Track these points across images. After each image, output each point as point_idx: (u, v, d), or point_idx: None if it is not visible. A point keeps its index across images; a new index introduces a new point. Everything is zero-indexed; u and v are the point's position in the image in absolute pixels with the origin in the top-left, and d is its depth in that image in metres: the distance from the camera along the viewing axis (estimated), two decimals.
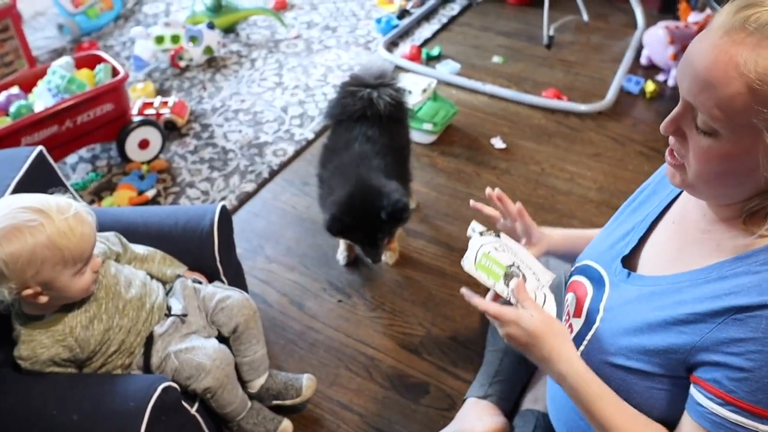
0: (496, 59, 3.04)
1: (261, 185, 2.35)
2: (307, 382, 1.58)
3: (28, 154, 1.42)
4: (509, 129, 2.59)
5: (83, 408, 1.14)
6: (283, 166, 2.44)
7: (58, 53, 3.15)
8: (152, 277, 1.44)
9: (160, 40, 2.99)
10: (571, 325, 1.09)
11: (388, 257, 2.01)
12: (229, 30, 3.32)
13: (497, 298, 1.07)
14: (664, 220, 1.03)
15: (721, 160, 0.78)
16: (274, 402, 1.55)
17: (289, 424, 1.53)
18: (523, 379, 1.50)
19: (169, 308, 1.39)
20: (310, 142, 2.54)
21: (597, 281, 1.07)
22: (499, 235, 1.17)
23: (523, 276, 1.07)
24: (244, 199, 2.28)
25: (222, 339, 1.44)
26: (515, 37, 3.23)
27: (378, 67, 1.89)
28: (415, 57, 3.01)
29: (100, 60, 2.42)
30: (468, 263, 1.07)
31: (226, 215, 1.57)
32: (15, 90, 2.30)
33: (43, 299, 1.14)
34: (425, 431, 1.55)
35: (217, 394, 1.34)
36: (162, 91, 2.87)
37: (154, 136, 2.42)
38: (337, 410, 1.62)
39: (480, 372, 1.54)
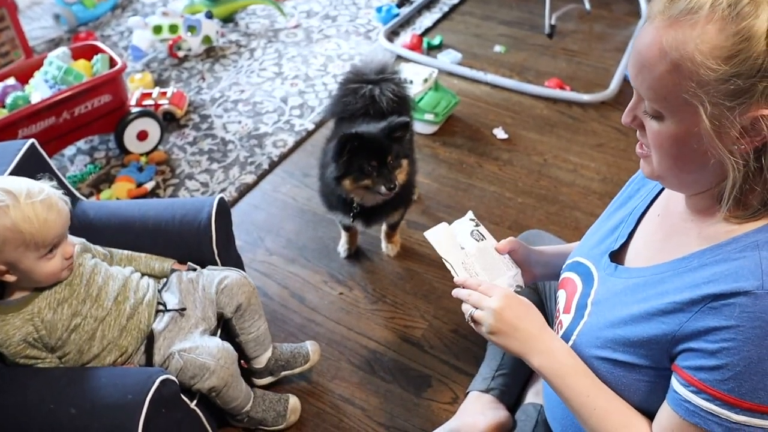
0: (497, 48, 3.01)
1: (261, 177, 2.33)
2: (312, 347, 1.62)
3: (19, 147, 1.41)
4: (511, 119, 2.56)
5: (80, 402, 1.13)
6: (283, 157, 2.41)
7: (54, 43, 3.12)
8: (142, 275, 1.43)
9: (158, 29, 2.96)
10: (560, 322, 1.10)
11: (389, 249, 1.99)
12: (228, 19, 3.28)
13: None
14: (649, 213, 1.04)
15: (672, 142, 0.81)
16: (284, 372, 1.59)
17: (296, 400, 1.55)
18: (526, 372, 1.49)
19: (164, 304, 1.38)
20: (310, 133, 2.52)
21: (586, 277, 1.07)
22: (484, 238, 1.23)
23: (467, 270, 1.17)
24: (244, 190, 2.26)
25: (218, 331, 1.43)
26: (517, 26, 3.20)
27: (379, 61, 1.85)
28: (415, 46, 2.98)
29: (97, 50, 2.39)
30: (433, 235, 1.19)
31: (224, 207, 1.55)
32: (11, 81, 2.28)
33: (10, 278, 1.18)
34: (427, 425, 1.54)
35: (222, 392, 1.33)
36: (160, 82, 2.84)
37: (152, 127, 2.39)
38: (338, 404, 1.61)
39: (482, 365, 1.53)
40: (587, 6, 3.26)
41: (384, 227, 1.96)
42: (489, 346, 1.56)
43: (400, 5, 3.34)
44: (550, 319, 1.43)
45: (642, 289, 0.92)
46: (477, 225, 1.24)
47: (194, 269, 1.50)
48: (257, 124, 2.56)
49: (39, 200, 1.15)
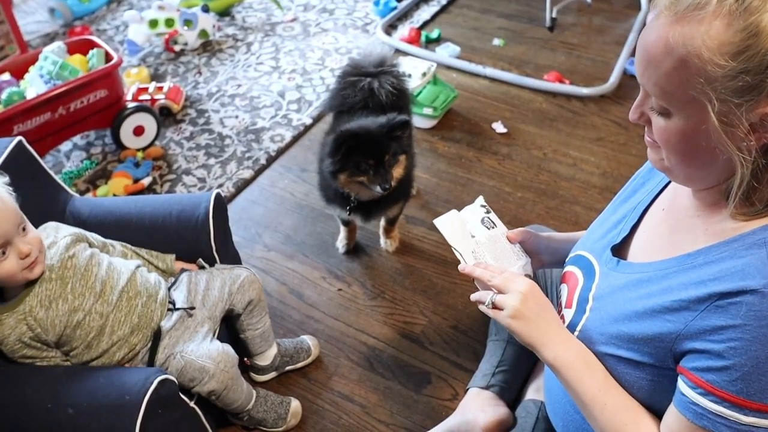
0: (496, 42, 2.99)
1: (258, 172, 2.31)
2: (311, 341, 1.66)
3: (6, 145, 1.39)
4: (510, 113, 2.54)
5: (78, 402, 1.12)
6: (281, 152, 2.40)
7: (50, 38, 3.09)
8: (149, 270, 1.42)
9: (153, 23, 2.94)
10: (563, 316, 1.09)
11: (388, 245, 1.98)
12: (225, 13, 3.26)
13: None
14: (654, 208, 1.03)
15: (680, 139, 0.80)
16: (288, 367, 1.62)
17: (298, 404, 1.55)
18: (526, 369, 1.49)
19: (173, 302, 1.37)
20: (308, 128, 2.50)
21: (588, 270, 1.06)
22: (495, 225, 1.20)
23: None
24: (242, 186, 2.25)
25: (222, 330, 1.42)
26: (516, 19, 3.18)
27: (377, 54, 1.83)
28: (414, 40, 2.96)
29: (92, 45, 2.37)
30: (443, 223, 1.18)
31: (221, 203, 1.54)
32: (6, 76, 2.26)
33: None
34: (427, 422, 1.53)
35: (222, 395, 1.33)
36: (156, 76, 2.82)
37: (149, 122, 2.37)
38: (338, 401, 1.60)
39: (482, 362, 1.52)
40: None
41: (382, 222, 1.95)
42: (489, 343, 1.55)
43: None
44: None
45: (645, 284, 0.91)
46: (488, 212, 1.21)
47: (203, 267, 1.50)
48: (254, 119, 2.55)
49: None
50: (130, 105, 2.33)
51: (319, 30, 3.13)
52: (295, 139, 2.46)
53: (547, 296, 1.44)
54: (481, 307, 1.03)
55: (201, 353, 1.30)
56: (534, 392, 1.42)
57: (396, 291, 1.87)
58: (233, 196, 2.21)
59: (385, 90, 1.73)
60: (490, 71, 2.72)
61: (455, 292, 1.85)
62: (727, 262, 0.79)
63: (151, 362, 1.31)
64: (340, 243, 1.99)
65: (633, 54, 2.79)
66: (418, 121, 2.42)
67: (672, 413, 0.85)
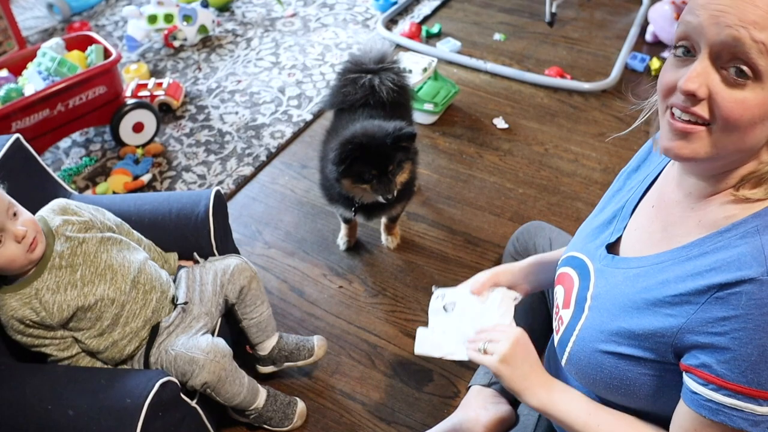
0: (497, 37, 2.97)
1: (259, 168, 2.30)
2: (318, 342, 1.59)
3: (3, 142, 1.38)
4: (511, 109, 2.53)
5: (79, 404, 1.12)
6: (281, 148, 2.39)
7: (48, 34, 3.08)
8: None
9: (153, 19, 2.92)
10: (561, 317, 1.08)
11: (389, 242, 1.97)
12: (224, 8, 3.24)
13: None
14: (643, 205, 1.01)
15: (757, 110, 0.73)
16: (287, 364, 1.57)
17: (304, 406, 1.55)
18: None
19: (175, 299, 1.38)
20: (308, 124, 2.49)
21: (582, 270, 1.06)
22: (454, 301, 1.20)
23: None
24: (242, 183, 2.24)
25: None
26: (517, 13, 3.16)
27: (378, 50, 1.82)
28: (414, 35, 2.94)
29: (91, 41, 2.36)
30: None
31: (221, 200, 1.53)
32: (4, 73, 2.25)
33: None
34: (429, 419, 1.53)
35: (217, 387, 1.31)
36: (156, 72, 2.80)
37: (148, 118, 2.36)
38: (339, 399, 1.59)
39: None
40: None
41: (384, 220, 1.94)
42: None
43: None
44: (550, 313, 1.42)
45: (643, 278, 0.90)
46: (443, 296, 1.20)
47: (197, 261, 1.50)
48: (254, 115, 2.53)
49: None
50: (130, 101, 2.32)
51: (319, 25, 3.12)
52: (296, 136, 2.44)
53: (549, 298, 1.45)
54: (470, 354, 1.06)
55: (190, 345, 1.29)
56: None
57: (397, 288, 1.87)
58: (233, 193, 2.20)
59: (386, 87, 1.72)
60: (491, 66, 2.70)
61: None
62: (723, 252, 0.79)
63: (146, 358, 1.31)
64: (341, 240, 1.98)
65: (634, 48, 2.78)
66: (418, 117, 2.41)
67: (684, 413, 0.84)
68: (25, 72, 2.23)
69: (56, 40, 2.32)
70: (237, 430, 1.53)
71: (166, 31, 2.92)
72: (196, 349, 1.29)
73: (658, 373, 0.88)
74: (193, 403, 1.29)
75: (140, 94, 2.50)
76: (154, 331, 1.32)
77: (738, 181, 0.82)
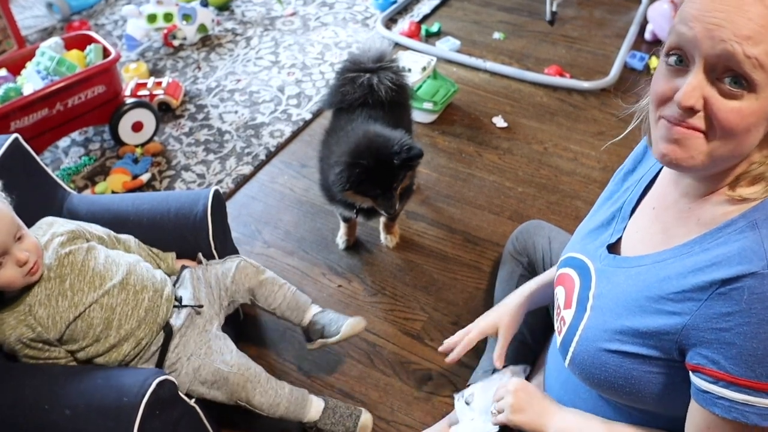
0: (497, 35, 2.97)
1: (258, 168, 2.30)
2: (351, 321, 1.53)
3: (2, 142, 1.38)
4: (511, 107, 2.53)
5: (76, 403, 1.12)
6: (281, 147, 2.39)
7: (47, 33, 3.08)
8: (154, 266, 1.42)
9: (152, 18, 2.92)
10: (562, 318, 1.08)
11: (388, 241, 1.97)
12: (223, 7, 3.24)
13: None
14: (643, 207, 1.02)
15: (754, 121, 0.74)
16: (320, 340, 1.54)
17: (368, 417, 1.49)
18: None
19: (179, 299, 1.37)
20: (307, 123, 2.49)
21: (583, 270, 1.06)
22: (473, 393, 1.27)
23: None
24: (241, 182, 2.24)
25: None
26: (516, 12, 3.16)
27: (376, 49, 1.82)
28: (414, 34, 2.94)
29: (90, 40, 2.35)
30: None
31: (219, 200, 1.53)
32: (3, 72, 2.24)
33: None
34: (428, 418, 1.53)
35: (249, 398, 1.33)
36: (155, 72, 2.80)
37: (147, 118, 2.36)
38: (338, 398, 1.59)
39: (483, 358, 1.51)
40: None
41: (383, 218, 1.94)
42: (489, 339, 1.54)
43: None
44: (552, 313, 1.42)
45: (644, 276, 0.90)
46: (462, 395, 1.28)
47: (201, 262, 1.50)
48: (254, 114, 2.53)
49: None
50: (129, 101, 2.32)
51: (319, 24, 3.11)
52: (295, 135, 2.44)
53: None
54: (493, 420, 1.15)
55: (215, 356, 1.32)
56: None
57: (396, 287, 1.87)
58: (232, 192, 2.20)
59: (385, 86, 1.72)
60: (490, 65, 2.70)
61: (456, 288, 1.84)
62: (723, 248, 0.79)
63: (161, 362, 1.31)
64: (340, 239, 1.98)
65: (633, 47, 2.78)
66: (418, 116, 2.41)
67: (697, 413, 0.84)
68: (23, 71, 2.23)
69: (55, 40, 2.31)
70: (238, 430, 1.52)
71: (165, 31, 2.91)
72: (220, 361, 1.32)
73: (662, 371, 0.88)
74: (192, 402, 1.28)
75: (139, 93, 2.50)
76: (168, 334, 1.32)
77: (733, 180, 0.83)
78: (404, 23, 3.02)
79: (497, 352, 1.31)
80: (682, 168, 0.81)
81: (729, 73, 0.73)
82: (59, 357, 1.24)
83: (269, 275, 1.54)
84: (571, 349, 1.02)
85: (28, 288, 1.20)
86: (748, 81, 0.72)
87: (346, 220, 1.92)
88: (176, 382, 1.20)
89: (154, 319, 1.31)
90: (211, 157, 2.34)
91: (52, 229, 1.29)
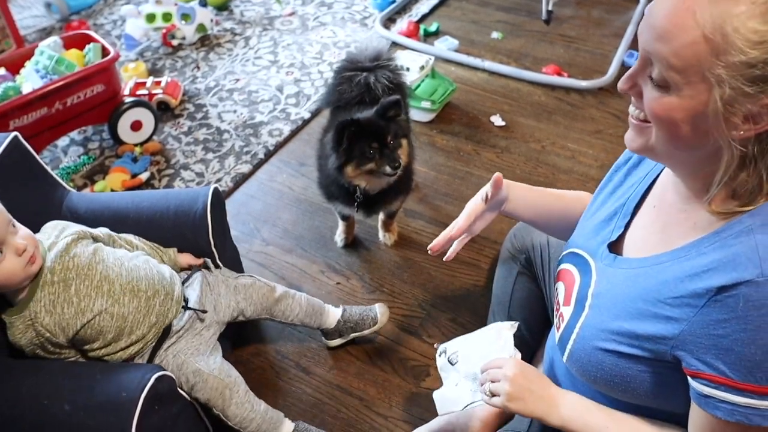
0: (495, 35, 2.98)
1: (257, 166, 2.31)
2: (380, 309, 1.66)
3: (1, 141, 1.38)
4: (509, 106, 2.54)
5: (75, 399, 1.12)
6: (279, 146, 2.39)
7: (46, 33, 3.08)
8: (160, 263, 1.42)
9: (151, 18, 2.92)
10: (561, 314, 1.09)
11: (387, 238, 1.98)
12: (222, 7, 3.24)
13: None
14: (645, 205, 1.03)
15: (675, 116, 0.77)
16: (353, 334, 1.65)
17: None
18: (525, 359, 1.48)
19: (186, 300, 1.38)
20: (306, 122, 2.50)
21: (584, 268, 1.07)
22: (456, 351, 1.22)
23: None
24: (240, 180, 2.24)
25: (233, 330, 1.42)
26: (514, 12, 3.16)
27: (373, 48, 1.83)
28: (412, 33, 2.95)
29: (89, 39, 2.36)
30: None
31: (219, 198, 1.53)
32: (2, 71, 2.25)
33: None
34: (426, 414, 1.53)
35: (223, 408, 1.33)
36: (154, 71, 2.81)
37: (146, 117, 2.37)
38: (337, 394, 1.60)
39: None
40: None
41: (381, 216, 1.94)
42: (490, 318, 1.55)
43: None
44: (550, 310, 1.42)
45: (643, 279, 0.91)
46: (444, 351, 1.23)
47: (208, 268, 1.49)
48: (252, 113, 2.54)
49: None
50: (128, 100, 2.32)
51: (318, 24, 3.12)
52: (294, 134, 2.45)
53: (547, 294, 1.45)
54: (484, 399, 1.09)
55: (199, 358, 1.32)
56: None
57: (394, 284, 1.87)
58: (231, 190, 2.21)
59: (381, 84, 1.72)
60: (488, 64, 2.71)
61: (454, 285, 1.85)
62: (718, 252, 0.80)
63: (151, 358, 1.31)
64: (339, 237, 1.99)
65: (631, 46, 2.79)
66: (416, 115, 2.42)
67: (699, 416, 0.85)
68: (23, 70, 2.24)
69: (54, 39, 2.32)
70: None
71: (164, 30, 2.92)
72: (203, 363, 1.31)
73: (657, 371, 0.88)
74: (190, 398, 1.29)
75: (138, 92, 2.51)
76: (165, 332, 1.32)
77: (721, 199, 0.82)
78: (403, 23, 3.03)
79: (485, 193, 1.20)
80: (634, 150, 0.88)
81: (649, 70, 0.78)
82: (69, 356, 1.25)
83: (281, 290, 1.57)
84: (569, 346, 1.03)
85: (31, 294, 1.18)
86: (663, 79, 0.76)
87: (344, 218, 1.93)
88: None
89: (163, 321, 1.32)
90: (210, 156, 2.34)
91: (58, 232, 1.27)
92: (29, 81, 2.17)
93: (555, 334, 1.13)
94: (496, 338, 1.18)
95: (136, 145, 2.37)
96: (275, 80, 2.72)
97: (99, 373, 1.17)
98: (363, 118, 1.56)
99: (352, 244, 2.00)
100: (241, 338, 1.71)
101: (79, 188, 2.21)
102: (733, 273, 0.76)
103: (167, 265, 1.43)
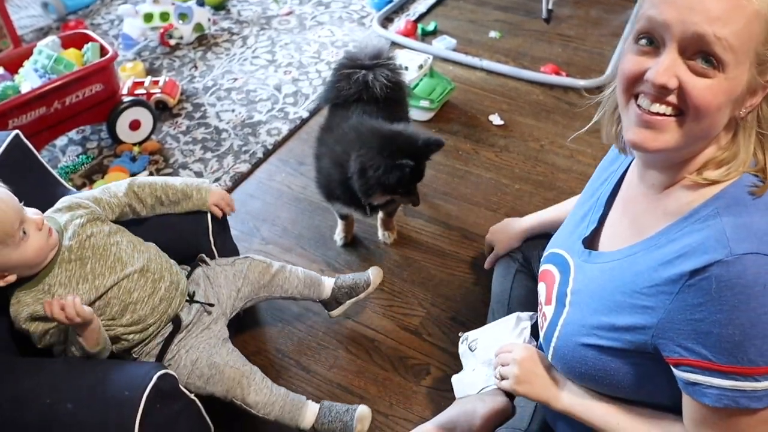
0: (493, 34, 2.98)
1: (255, 165, 2.30)
2: (373, 272, 1.69)
3: (3, 139, 1.38)
4: (507, 105, 2.54)
5: (77, 397, 1.12)
6: (278, 145, 2.39)
7: (43, 32, 3.07)
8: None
9: (148, 17, 2.92)
10: (544, 314, 1.11)
11: (386, 237, 1.98)
12: (220, 7, 3.24)
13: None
14: (616, 201, 1.05)
15: (721, 99, 0.78)
16: (349, 300, 1.66)
17: (364, 409, 1.45)
18: None
19: (191, 294, 1.39)
20: (304, 121, 2.50)
21: (563, 266, 1.08)
22: (476, 339, 1.30)
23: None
24: (239, 180, 2.24)
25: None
26: (512, 11, 3.17)
27: (373, 46, 1.83)
28: (410, 32, 2.95)
29: (87, 39, 2.35)
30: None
31: None
32: (0, 71, 2.24)
33: (11, 278, 1.17)
34: (427, 412, 1.53)
35: (243, 396, 1.33)
36: (152, 71, 2.80)
37: (145, 116, 2.36)
38: (337, 393, 1.60)
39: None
40: None
41: (381, 215, 1.94)
42: (491, 312, 1.55)
43: None
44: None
45: (618, 272, 0.92)
46: (466, 339, 1.30)
47: (204, 262, 1.49)
48: (251, 113, 2.54)
49: None
50: (126, 99, 2.32)
51: (315, 23, 3.12)
52: (292, 133, 2.45)
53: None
54: (496, 383, 1.14)
55: (213, 352, 1.33)
56: None
57: (394, 283, 1.87)
58: (230, 190, 2.21)
59: (380, 83, 1.72)
60: (486, 63, 2.71)
61: (453, 284, 1.85)
62: (688, 238, 0.81)
63: (162, 354, 1.32)
64: (338, 236, 1.99)
65: None
66: (415, 114, 2.42)
67: (689, 406, 0.86)
68: (21, 70, 2.23)
69: (52, 38, 2.31)
70: (236, 425, 1.53)
71: (162, 30, 2.92)
72: (218, 356, 1.33)
73: (638, 362, 0.90)
74: (192, 396, 1.29)
75: (137, 92, 2.50)
76: (176, 327, 1.33)
77: (701, 166, 0.85)
78: (400, 22, 3.03)
79: (488, 260, 1.57)
80: (654, 150, 0.84)
81: (700, 54, 0.76)
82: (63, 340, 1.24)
83: (277, 266, 1.58)
84: (553, 344, 1.05)
85: (48, 270, 1.21)
86: (718, 61, 0.75)
87: (343, 217, 1.93)
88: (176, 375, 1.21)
89: (165, 309, 1.33)
90: (208, 155, 2.34)
91: (70, 211, 1.30)
92: (28, 80, 2.16)
93: (540, 335, 1.14)
94: (515, 327, 1.21)
95: (134, 144, 2.36)
96: (273, 80, 2.72)
97: (101, 372, 1.17)
98: (413, 153, 1.51)
99: (352, 242, 2.00)
100: (241, 337, 1.71)
101: (78, 188, 2.21)
102: (704, 256, 0.77)
103: (197, 204, 1.46)
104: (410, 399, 1.58)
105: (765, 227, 0.78)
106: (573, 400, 1.02)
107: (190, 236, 1.51)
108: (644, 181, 0.94)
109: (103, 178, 2.22)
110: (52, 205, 1.46)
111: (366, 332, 1.74)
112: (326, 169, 1.68)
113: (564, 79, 2.62)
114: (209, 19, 3.03)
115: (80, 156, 2.34)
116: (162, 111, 2.54)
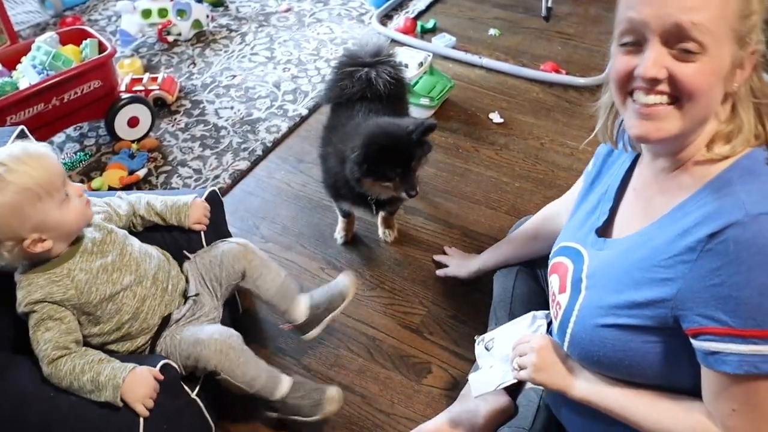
0: (492, 32, 2.98)
1: (255, 163, 2.29)
2: (345, 279, 1.58)
3: (9, 133, 1.38)
4: (507, 103, 2.54)
5: None
6: (277, 143, 2.38)
7: (40, 28, 3.05)
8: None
9: (146, 14, 2.90)
10: (558, 303, 1.11)
11: (387, 235, 1.97)
12: (218, 3, 3.22)
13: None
14: (627, 190, 1.07)
15: (711, 79, 0.83)
16: (329, 316, 1.53)
17: (335, 390, 1.45)
18: None
19: (185, 293, 1.40)
20: (303, 118, 2.49)
21: (576, 257, 1.09)
22: (493, 338, 1.30)
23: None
24: (238, 177, 2.23)
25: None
26: (512, 8, 3.16)
27: (374, 43, 1.82)
28: (409, 30, 2.94)
29: (85, 35, 2.34)
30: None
31: (216, 200, 1.54)
32: None
33: (47, 244, 1.16)
34: (428, 411, 1.53)
35: (230, 369, 1.30)
36: (150, 67, 2.79)
37: (143, 113, 2.35)
38: None
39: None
40: None
41: (381, 213, 1.94)
42: (491, 317, 1.55)
43: None
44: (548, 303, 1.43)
45: (635, 250, 0.94)
46: (482, 340, 1.31)
47: (188, 258, 1.48)
48: (250, 110, 2.53)
49: (25, 154, 1.14)
50: (124, 96, 2.30)
51: (314, 20, 3.11)
52: (291, 130, 2.44)
53: (547, 289, 1.46)
54: (514, 375, 1.16)
55: (195, 330, 1.32)
56: None
57: (395, 281, 1.87)
58: (229, 187, 2.20)
59: (383, 80, 1.72)
60: (486, 61, 2.71)
61: (454, 283, 1.85)
62: (705, 208, 0.84)
63: (152, 348, 1.32)
64: (339, 234, 1.98)
65: None
66: (415, 112, 2.41)
67: (709, 378, 0.86)
68: (19, 66, 2.22)
69: (50, 34, 2.29)
70: (237, 423, 1.52)
71: (160, 26, 2.90)
72: (200, 332, 1.31)
73: (659, 340, 0.90)
74: (193, 395, 1.29)
75: (135, 88, 2.49)
76: (165, 322, 1.33)
77: (709, 141, 0.89)
78: (399, 19, 3.02)
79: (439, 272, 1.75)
80: (659, 140, 0.88)
81: (682, 42, 0.81)
82: (70, 321, 1.20)
83: (260, 255, 1.51)
84: (569, 331, 1.05)
85: (69, 256, 1.21)
86: (700, 45, 0.80)
87: (344, 215, 1.93)
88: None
89: (164, 312, 1.34)
90: (207, 152, 2.33)
91: (92, 206, 1.30)
92: (26, 76, 2.14)
93: (554, 325, 1.14)
94: (530, 325, 1.23)
95: (132, 141, 2.35)
96: (272, 77, 2.71)
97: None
98: (393, 136, 1.50)
99: (352, 241, 1.99)
100: (267, 328, 1.71)
101: None
102: (720, 219, 0.80)
103: (179, 224, 1.47)
104: (412, 398, 1.58)
105: None
106: (589, 387, 1.02)
107: (183, 242, 1.50)
108: (654, 169, 0.97)
109: (101, 175, 2.20)
110: None
111: (367, 331, 1.73)
112: (333, 169, 1.66)
113: (563, 77, 2.62)
114: (207, 16, 3.01)
115: (78, 153, 2.32)
116: (160, 108, 2.53)
